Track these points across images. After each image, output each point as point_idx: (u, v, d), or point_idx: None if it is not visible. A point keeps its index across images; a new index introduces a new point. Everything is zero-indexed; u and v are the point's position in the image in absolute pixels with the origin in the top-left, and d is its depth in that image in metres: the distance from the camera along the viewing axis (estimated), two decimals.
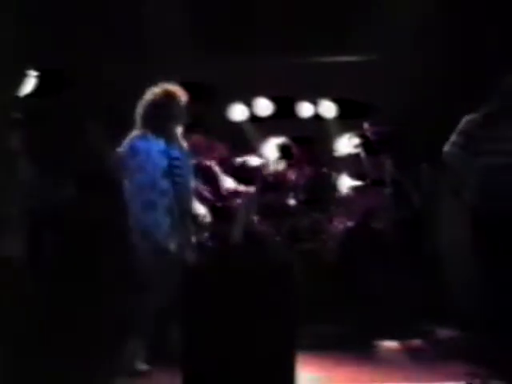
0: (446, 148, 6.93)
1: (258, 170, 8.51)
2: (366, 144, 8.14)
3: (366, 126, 8.17)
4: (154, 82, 7.12)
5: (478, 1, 8.07)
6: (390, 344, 7.51)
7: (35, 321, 6.70)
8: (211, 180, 8.24)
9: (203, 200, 8.01)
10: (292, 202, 8.32)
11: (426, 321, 7.91)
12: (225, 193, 8.27)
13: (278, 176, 8.47)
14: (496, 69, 6.98)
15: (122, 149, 6.57)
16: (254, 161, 8.53)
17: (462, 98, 7.19)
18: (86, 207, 7.77)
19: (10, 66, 6.94)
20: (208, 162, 8.29)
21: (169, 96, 6.69)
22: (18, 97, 6.88)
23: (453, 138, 6.91)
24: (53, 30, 7.98)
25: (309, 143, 8.69)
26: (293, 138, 8.58)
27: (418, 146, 8.10)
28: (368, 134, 8.17)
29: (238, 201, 8.26)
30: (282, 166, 8.54)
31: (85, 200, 7.54)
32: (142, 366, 6.41)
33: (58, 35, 7.99)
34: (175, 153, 6.61)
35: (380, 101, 7.94)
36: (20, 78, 6.89)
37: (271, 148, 8.58)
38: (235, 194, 8.31)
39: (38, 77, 6.92)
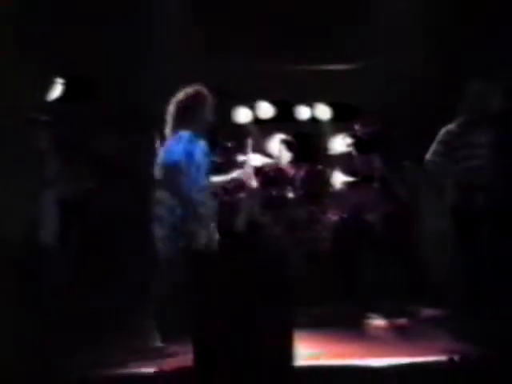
0: (428, 156, 6.99)
1: (260, 166, 8.52)
2: (357, 143, 8.16)
3: (357, 127, 8.19)
4: (166, 86, 7.19)
5: (453, 19, 8.12)
6: (379, 322, 7.57)
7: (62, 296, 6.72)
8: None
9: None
10: (290, 195, 8.33)
11: (410, 301, 7.91)
12: (231, 187, 8.27)
13: (279, 172, 8.48)
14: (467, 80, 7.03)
15: (176, 153, 6.44)
16: (256, 158, 8.54)
17: (441, 102, 7.21)
18: (105, 198, 7.81)
19: (39, 74, 6.98)
20: (217, 159, 8.26)
21: (204, 97, 6.62)
22: (45, 101, 6.90)
23: (433, 147, 6.98)
24: (78, 39, 8.00)
25: (307, 141, 8.70)
26: (294, 135, 8.59)
27: (403, 145, 8.11)
28: (359, 134, 8.19)
29: (242, 194, 8.26)
30: (284, 159, 8.52)
31: (104, 191, 7.57)
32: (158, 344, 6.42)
33: (83, 44, 8.01)
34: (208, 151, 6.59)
35: (370, 105, 7.92)
36: (48, 84, 6.90)
37: (276, 143, 8.59)
38: (240, 188, 8.32)
39: (63, 83, 6.93)
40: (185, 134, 6.46)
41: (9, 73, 7.10)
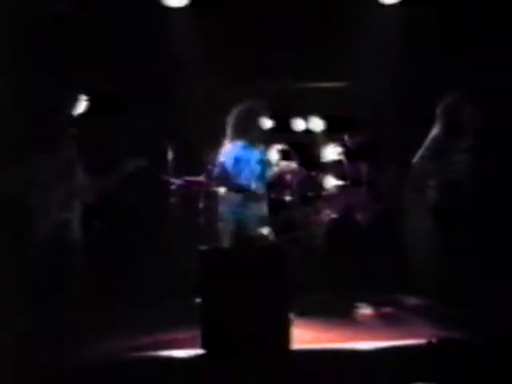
0: (415, 160, 7.01)
1: None
2: (346, 152, 8.15)
3: (346, 137, 8.20)
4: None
5: (433, 39, 8.17)
6: (366, 311, 7.58)
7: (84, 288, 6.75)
8: None
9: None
10: (288, 198, 8.31)
11: (395, 292, 7.95)
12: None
13: (277, 177, 8.46)
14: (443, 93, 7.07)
15: (224, 157, 6.74)
16: None
17: (422, 115, 7.23)
18: (126, 201, 7.83)
19: (68, 91, 7.02)
20: None
21: (259, 110, 6.84)
22: (73, 115, 6.91)
23: (420, 151, 6.99)
24: (104, 58, 8.09)
25: (303, 150, 8.67)
26: (291, 144, 8.58)
27: (387, 153, 8.13)
28: (348, 144, 8.19)
29: None
30: (282, 166, 8.51)
31: (125, 193, 7.59)
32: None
33: (108, 63, 8.10)
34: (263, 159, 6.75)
35: (358, 118, 7.94)
36: (75, 100, 6.92)
37: (274, 152, 8.58)
38: None
39: (89, 100, 6.95)
40: (240, 142, 6.71)
41: (42, 91, 7.15)
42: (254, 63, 8.50)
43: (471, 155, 6.94)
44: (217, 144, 8.13)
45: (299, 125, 9.03)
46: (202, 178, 8.15)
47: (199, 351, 5.85)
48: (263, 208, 7.02)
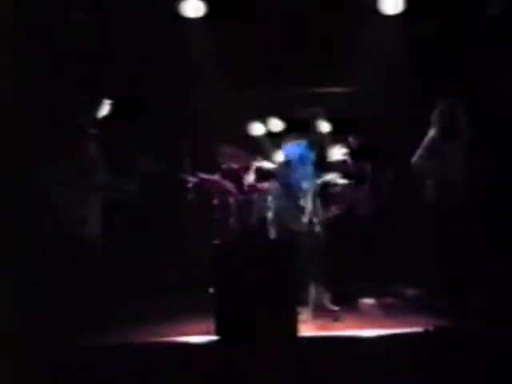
0: (414, 159, 7.05)
1: (270, 171, 8.53)
2: (351, 152, 8.17)
3: (351, 139, 8.23)
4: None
5: (429, 49, 8.25)
6: (369, 301, 7.57)
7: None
8: (236, 179, 8.30)
9: (230, 194, 8.17)
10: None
11: (396, 283, 7.94)
12: (246, 188, 8.32)
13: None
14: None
15: (289, 154, 6.90)
16: (267, 165, 8.56)
17: (419, 119, 7.28)
18: (144, 198, 7.88)
19: (92, 95, 7.08)
20: (234, 165, 8.36)
21: (319, 115, 6.95)
22: (95, 117, 6.96)
23: (418, 151, 7.03)
24: (125, 65, 8.18)
25: None
26: None
27: (389, 154, 8.16)
28: (353, 145, 8.22)
29: (256, 195, 8.24)
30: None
31: (144, 193, 7.63)
32: None
33: (129, 69, 8.18)
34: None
35: (361, 120, 7.98)
36: (97, 103, 6.98)
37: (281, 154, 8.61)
38: (254, 189, 8.36)
39: (111, 103, 7.00)
40: (299, 142, 6.87)
41: (67, 95, 7.21)
42: (265, 71, 8.55)
43: (465, 155, 6.99)
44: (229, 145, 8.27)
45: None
46: (216, 177, 8.24)
47: (214, 337, 5.95)
48: (309, 203, 6.96)
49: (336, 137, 8.53)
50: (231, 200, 8.11)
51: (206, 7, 7.99)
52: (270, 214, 7.20)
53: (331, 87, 8.90)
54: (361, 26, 8.18)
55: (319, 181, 7.06)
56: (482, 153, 7.16)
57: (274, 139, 8.63)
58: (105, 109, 6.95)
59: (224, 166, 8.27)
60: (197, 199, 8.08)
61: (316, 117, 6.97)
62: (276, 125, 8.93)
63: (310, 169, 6.83)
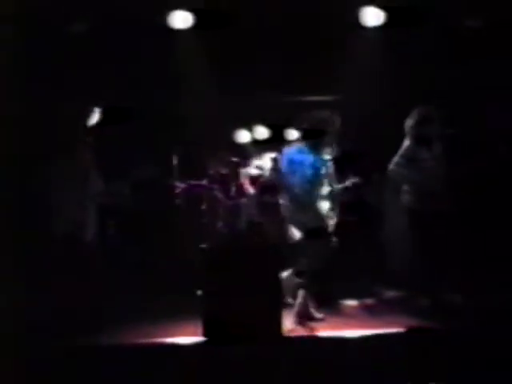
0: (391, 167, 7.03)
1: (257, 177, 8.50)
2: (334, 159, 8.11)
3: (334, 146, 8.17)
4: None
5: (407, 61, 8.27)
6: (351, 302, 7.54)
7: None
8: (224, 184, 8.26)
9: (218, 199, 8.12)
10: (281, 201, 8.29)
11: (377, 285, 7.90)
12: (234, 194, 8.29)
13: (272, 182, 8.45)
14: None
15: (282, 159, 6.68)
16: (254, 171, 8.54)
17: (396, 127, 7.26)
18: (136, 203, 7.83)
19: (85, 103, 7.05)
20: (222, 171, 8.30)
21: (325, 121, 6.71)
22: (87, 125, 6.92)
23: (395, 158, 7.01)
24: (117, 74, 8.13)
25: None
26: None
27: (373, 162, 8.14)
28: (336, 152, 8.17)
29: (243, 200, 8.23)
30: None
31: (135, 197, 7.59)
32: None
33: (120, 78, 8.13)
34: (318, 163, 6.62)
35: (345, 129, 7.92)
36: (89, 112, 6.93)
37: (267, 160, 8.58)
38: (242, 194, 8.31)
39: (102, 111, 6.96)
40: (299, 145, 6.67)
41: (63, 103, 7.19)
42: (253, 79, 8.52)
43: (438, 162, 6.98)
44: (217, 152, 8.23)
45: (292, 134, 9.05)
46: (204, 182, 8.20)
47: (201, 338, 5.90)
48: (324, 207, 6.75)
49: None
50: (219, 205, 8.06)
51: (194, 19, 7.95)
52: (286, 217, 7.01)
53: (317, 96, 8.84)
54: (345, 37, 8.20)
55: (340, 185, 6.88)
56: (455, 159, 7.14)
57: (260, 146, 8.65)
58: (97, 116, 6.92)
59: (212, 172, 8.22)
60: (186, 204, 8.05)
61: (327, 121, 6.79)
62: (262, 133, 8.93)
63: (307, 172, 6.59)
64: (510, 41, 7.81)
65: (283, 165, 6.72)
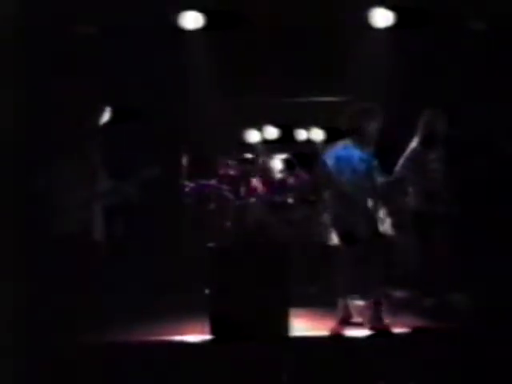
0: (397, 168, 7.03)
1: (267, 177, 8.54)
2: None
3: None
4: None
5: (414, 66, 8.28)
6: (357, 302, 7.54)
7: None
8: (234, 184, 8.33)
9: (226, 199, 8.16)
10: (290, 200, 8.34)
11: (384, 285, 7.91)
12: (243, 194, 8.32)
13: (281, 182, 8.50)
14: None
15: (327, 156, 6.40)
16: (264, 171, 8.58)
17: (405, 128, 7.26)
18: (144, 202, 7.85)
19: (92, 103, 7.07)
20: (231, 171, 8.38)
21: (369, 112, 6.47)
22: (97, 124, 6.95)
23: (400, 161, 7.01)
24: (127, 74, 8.16)
25: (304, 159, 8.68)
26: (293, 155, 8.62)
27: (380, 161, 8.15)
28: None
29: (253, 199, 8.28)
30: (284, 174, 8.54)
31: (144, 197, 7.61)
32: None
33: (130, 79, 8.18)
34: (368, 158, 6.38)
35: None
36: (99, 112, 6.97)
37: (277, 162, 8.62)
38: (251, 193, 8.36)
39: (112, 111, 6.99)
40: (346, 142, 6.41)
41: (72, 102, 7.21)
42: (263, 79, 8.55)
43: (443, 164, 6.99)
44: (226, 151, 8.26)
45: (301, 135, 9.10)
46: (213, 182, 8.24)
47: (208, 337, 5.92)
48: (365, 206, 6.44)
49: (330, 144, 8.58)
50: (228, 204, 8.10)
51: (205, 19, 7.98)
52: (328, 219, 6.80)
53: (327, 97, 8.88)
54: (353, 38, 8.22)
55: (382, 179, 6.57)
56: (459, 161, 7.15)
57: (269, 146, 8.69)
58: (106, 116, 6.94)
59: (222, 172, 8.27)
60: (195, 203, 8.08)
61: (365, 114, 6.48)
62: (271, 132, 8.98)
63: (357, 168, 6.32)
64: None
65: (330, 163, 6.49)
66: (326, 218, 6.81)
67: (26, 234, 6.33)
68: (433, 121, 6.96)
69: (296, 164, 8.49)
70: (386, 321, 6.31)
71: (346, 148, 6.40)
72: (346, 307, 6.54)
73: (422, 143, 6.99)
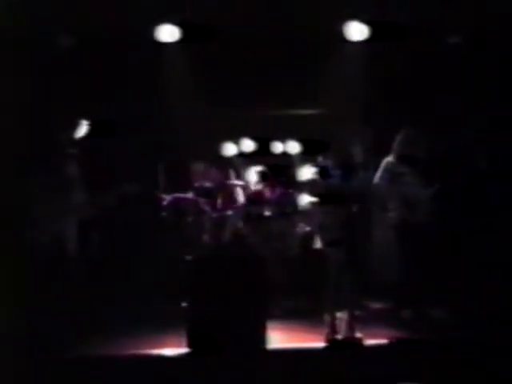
0: (375, 181, 7.07)
1: (243, 190, 8.54)
2: (320, 172, 8.15)
3: (319, 159, 8.21)
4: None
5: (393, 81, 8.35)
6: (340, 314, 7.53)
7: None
8: (210, 197, 8.32)
9: (202, 211, 8.16)
10: (267, 212, 8.34)
11: (363, 298, 7.79)
12: (219, 206, 8.32)
13: (258, 194, 8.50)
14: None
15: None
16: (240, 183, 8.58)
17: (381, 140, 7.32)
18: (120, 215, 7.83)
19: (68, 116, 7.07)
20: (208, 184, 8.37)
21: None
22: (73, 138, 6.94)
23: (378, 173, 7.06)
24: (102, 87, 8.14)
25: (280, 171, 8.70)
26: (268, 167, 8.63)
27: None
28: (321, 165, 8.21)
29: (229, 212, 8.30)
30: (260, 187, 8.55)
31: (120, 210, 7.59)
32: None
33: (106, 92, 8.16)
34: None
35: (329, 141, 7.96)
36: (75, 125, 6.96)
37: (253, 174, 8.63)
38: (228, 206, 8.36)
39: (88, 124, 6.99)
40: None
41: (47, 116, 7.20)
42: (239, 92, 8.57)
43: (419, 177, 7.05)
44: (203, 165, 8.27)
45: (277, 147, 9.11)
46: (190, 195, 8.24)
47: (186, 350, 5.90)
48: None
49: (305, 157, 8.63)
50: (204, 217, 8.09)
51: (181, 32, 8.00)
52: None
53: (302, 109, 8.91)
54: (328, 51, 8.26)
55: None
56: (436, 176, 7.22)
57: (246, 159, 8.69)
58: (82, 129, 6.94)
59: (197, 185, 8.26)
60: (171, 216, 8.07)
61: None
62: (248, 145, 8.98)
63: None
64: (493, 57, 7.94)
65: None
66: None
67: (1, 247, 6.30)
68: (409, 140, 7.05)
69: (271, 176, 8.50)
70: (358, 333, 6.34)
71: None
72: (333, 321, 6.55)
73: (398, 159, 7.07)
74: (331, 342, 6.21)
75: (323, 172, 7.52)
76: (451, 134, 8.18)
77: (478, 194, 7.73)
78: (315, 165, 7.75)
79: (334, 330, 6.43)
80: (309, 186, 7.99)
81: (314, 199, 7.75)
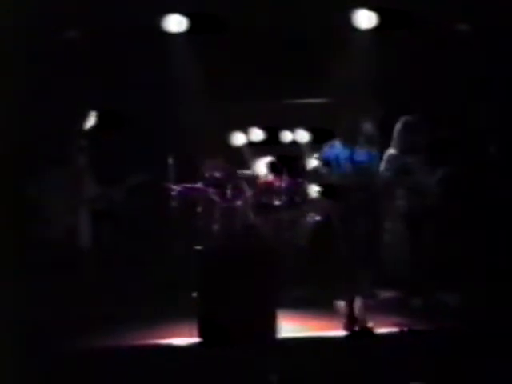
0: (381, 172, 7.06)
1: (253, 180, 8.54)
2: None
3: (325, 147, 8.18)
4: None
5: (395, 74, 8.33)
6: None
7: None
8: (220, 187, 8.33)
9: (212, 202, 8.16)
10: (277, 202, 8.34)
11: (373, 286, 7.78)
12: (229, 196, 8.32)
13: (267, 184, 8.50)
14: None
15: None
16: (249, 173, 8.58)
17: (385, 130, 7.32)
18: (131, 206, 7.85)
19: (80, 108, 7.07)
20: (217, 174, 8.38)
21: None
22: (83, 129, 6.94)
23: (382, 165, 7.05)
24: (112, 79, 8.15)
25: (289, 160, 8.69)
26: (278, 157, 8.63)
27: None
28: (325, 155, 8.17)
29: (239, 202, 8.31)
30: (270, 177, 8.55)
31: (130, 201, 7.60)
32: None
33: (116, 83, 8.16)
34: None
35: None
36: (85, 116, 6.96)
37: (262, 164, 8.63)
38: (238, 196, 8.36)
39: (97, 116, 6.99)
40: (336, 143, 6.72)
41: (57, 108, 7.21)
42: (247, 82, 8.57)
43: (424, 165, 7.02)
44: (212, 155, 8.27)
45: (286, 136, 9.10)
46: (199, 185, 8.24)
47: (196, 340, 5.91)
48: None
49: (314, 146, 8.61)
50: (215, 207, 8.09)
51: (189, 22, 7.98)
52: None
53: (310, 99, 8.88)
54: (337, 39, 8.26)
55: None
56: (440, 164, 7.19)
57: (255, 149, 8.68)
58: (92, 121, 6.93)
59: (207, 175, 8.26)
60: (181, 207, 8.08)
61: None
62: (257, 134, 8.97)
63: (343, 167, 6.62)
64: (501, 45, 7.90)
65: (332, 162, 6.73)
66: None
67: (14, 240, 6.31)
68: (411, 128, 7.03)
69: (281, 166, 8.49)
70: (370, 322, 6.34)
71: (334, 148, 6.66)
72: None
73: (400, 148, 7.06)
74: (352, 331, 6.17)
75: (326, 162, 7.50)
76: (459, 121, 8.15)
77: (488, 178, 7.72)
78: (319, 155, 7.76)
79: (352, 319, 6.41)
80: (315, 176, 7.97)
81: (320, 189, 7.78)
